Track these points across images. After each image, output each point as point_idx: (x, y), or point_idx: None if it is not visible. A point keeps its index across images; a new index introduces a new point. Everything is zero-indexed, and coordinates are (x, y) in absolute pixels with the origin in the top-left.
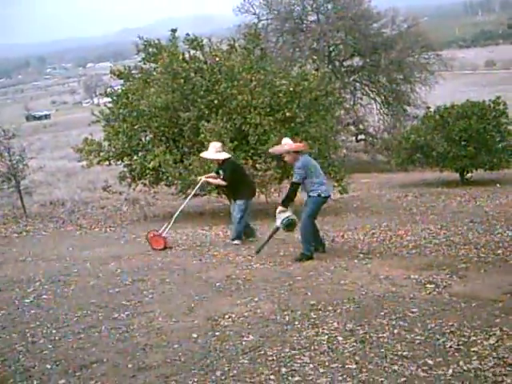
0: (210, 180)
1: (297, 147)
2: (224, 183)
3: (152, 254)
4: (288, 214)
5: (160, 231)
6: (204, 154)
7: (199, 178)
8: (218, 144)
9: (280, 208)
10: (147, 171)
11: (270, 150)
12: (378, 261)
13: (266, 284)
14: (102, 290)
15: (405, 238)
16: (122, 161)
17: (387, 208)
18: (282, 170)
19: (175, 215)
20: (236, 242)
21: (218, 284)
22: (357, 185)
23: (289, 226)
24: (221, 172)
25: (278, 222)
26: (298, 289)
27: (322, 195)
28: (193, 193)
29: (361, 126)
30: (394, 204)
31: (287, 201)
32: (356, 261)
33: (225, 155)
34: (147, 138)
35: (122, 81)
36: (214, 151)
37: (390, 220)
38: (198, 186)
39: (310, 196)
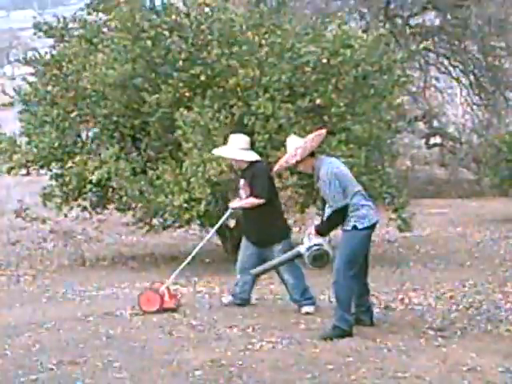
0: (243, 204)
1: (312, 145)
2: (260, 201)
3: (92, 322)
4: (321, 241)
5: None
6: (222, 151)
7: (230, 204)
8: (245, 138)
9: (312, 231)
10: (88, 186)
11: (276, 169)
12: (459, 342)
13: (277, 376)
14: (7, 377)
15: (504, 306)
16: (49, 169)
17: (475, 257)
18: (306, 189)
19: (188, 259)
20: (307, 308)
21: (197, 373)
22: (427, 217)
23: (317, 258)
24: (242, 183)
25: (303, 248)
26: None
27: (366, 224)
28: (218, 225)
29: (435, 123)
30: (487, 250)
31: (325, 227)
32: (423, 341)
33: (253, 156)
34: (90, 133)
35: (51, 40)
36: (238, 147)
37: (479, 276)
38: (226, 217)
39: (354, 228)
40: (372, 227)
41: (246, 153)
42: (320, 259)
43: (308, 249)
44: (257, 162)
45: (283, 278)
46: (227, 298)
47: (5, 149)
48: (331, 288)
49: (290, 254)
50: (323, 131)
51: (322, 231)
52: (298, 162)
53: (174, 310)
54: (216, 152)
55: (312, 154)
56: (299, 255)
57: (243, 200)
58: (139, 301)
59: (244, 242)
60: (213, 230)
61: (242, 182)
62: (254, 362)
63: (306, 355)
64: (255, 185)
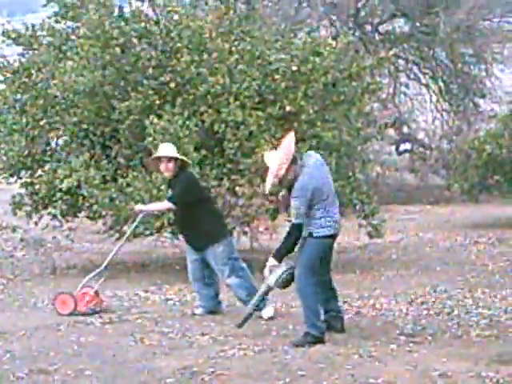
0: (150, 207)
1: (290, 150)
2: (168, 205)
3: (63, 330)
4: (283, 268)
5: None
6: (162, 152)
7: (136, 207)
8: (171, 145)
9: (271, 261)
10: (58, 195)
11: (268, 189)
12: (430, 347)
13: (248, 383)
14: None
15: (474, 312)
16: (19, 177)
17: (446, 262)
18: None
19: (102, 266)
20: (267, 312)
21: (168, 381)
22: (397, 224)
23: (287, 284)
24: (170, 193)
25: (272, 281)
26: None
27: (321, 234)
28: (128, 233)
29: (405, 130)
30: (457, 256)
31: (282, 252)
32: (394, 346)
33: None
34: (60, 140)
35: (20, 48)
36: (175, 151)
37: (450, 282)
38: (137, 221)
39: (310, 236)
40: (330, 237)
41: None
42: (290, 283)
43: (277, 279)
44: (184, 170)
45: (227, 284)
46: (199, 310)
47: None
48: (297, 296)
49: (260, 292)
50: (292, 134)
51: (279, 257)
52: (286, 172)
53: (90, 315)
54: (156, 156)
55: (293, 161)
56: (270, 289)
57: (150, 204)
58: (55, 303)
59: (187, 249)
60: (124, 237)
61: (170, 191)
62: (225, 370)
63: (277, 362)
64: (174, 190)
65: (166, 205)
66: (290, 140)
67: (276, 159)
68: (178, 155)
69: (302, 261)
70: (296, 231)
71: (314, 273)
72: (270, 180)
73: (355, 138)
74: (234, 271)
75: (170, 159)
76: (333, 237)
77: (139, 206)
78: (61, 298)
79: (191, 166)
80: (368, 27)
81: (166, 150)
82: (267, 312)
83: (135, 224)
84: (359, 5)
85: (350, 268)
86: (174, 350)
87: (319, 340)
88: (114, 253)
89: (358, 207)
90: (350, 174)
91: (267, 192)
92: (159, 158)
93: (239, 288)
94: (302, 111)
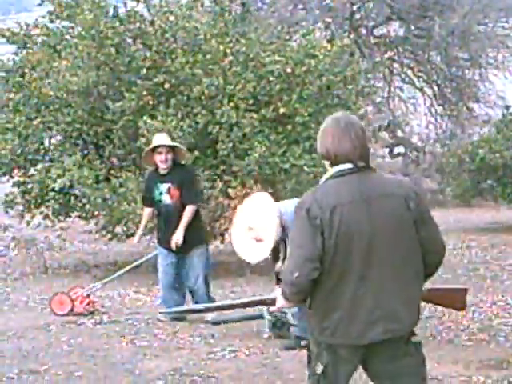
0: (184, 225)
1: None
2: (195, 207)
3: (54, 331)
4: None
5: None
6: (160, 141)
7: (176, 239)
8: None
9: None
10: (51, 194)
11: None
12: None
13: None
14: None
15: (465, 316)
16: (11, 176)
17: None
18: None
19: (116, 274)
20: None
21: (159, 383)
22: None
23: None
24: (163, 189)
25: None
26: None
27: None
28: (144, 259)
29: (399, 133)
30: (450, 260)
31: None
32: None
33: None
34: (53, 140)
35: (14, 47)
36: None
37: (442, 286)
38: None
39: None
40: None
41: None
42: None
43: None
44: (183, 164)
45: (195, 289)
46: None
47: None
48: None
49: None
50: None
51: None
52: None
53: (86, 315)
54: (158, 142)
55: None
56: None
57: (182, 224)
58: (50, 303)
59: (162, 253)
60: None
61: (165, 186)
62: (216, 371)
63: (268, 364)
64: (190, 189)
65: (192, 211)
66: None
67: (267, 228)
68: (177, 144)
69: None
70: None
71: None
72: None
73: None
74: (207, 279)
75: (169, 149)
76: None
77: (179, 235)
78: (57, 299)
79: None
80: (363, 30)
81: (164, 139)
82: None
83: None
84: (354, 8)
85: None
86: (165, 352)
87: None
88: (126, 269)
89: None
90: None
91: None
92: (155, 150)
93: (204, 295)
94: (296, 114)
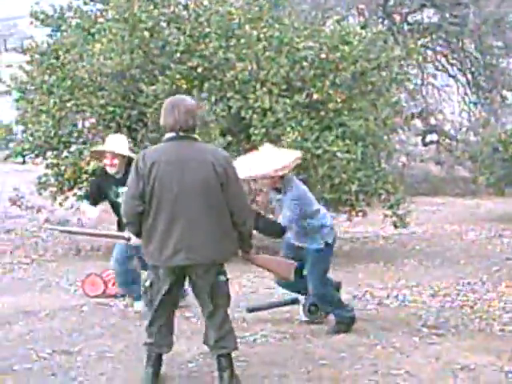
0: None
1: (288, 166)
2: None
3: (86, 312)
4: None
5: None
6: (107, 145)
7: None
8: (125, 139)
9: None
10: (84, 176)
11: (247, 176)
12: (453, 340)
13: (270, 370)
14: (1, 366)
15: (497, 305)
16: (45, 158)
17: (470, 255)
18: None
19: None
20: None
21: (190, 365)
22: (422, 215)
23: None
24: (120, 191)
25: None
26: (319, 380)
27: (330, 241)
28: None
29: (432, 121)
30: (482, 249)
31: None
32: (417, 338)
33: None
34: (86, 123)
35: (48, 29)
36: (124, 147)
37: (473, 275)
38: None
39: (311, 248)
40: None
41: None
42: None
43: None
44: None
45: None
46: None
47: (0, 137)
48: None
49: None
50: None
51: None
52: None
53: (118, 297)
54: (102, 148)
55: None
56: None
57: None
58: (83, 284)
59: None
60: None
61: (121, 189)
62: (247, 356)
63: (300, 350)
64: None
65: None
66: (298, 158)
67: (283, 161)
68: (125, 151)
69: (314, 275)
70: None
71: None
72: (260, 172)
73: (382, 128)
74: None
75: (114, 155)
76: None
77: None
78: (90, 280)
79: None
80: (397, 17)
81: (113, 143)
82: (138, 305)
83: None
84: None
85: (373, 258)
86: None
87: (352, 320)
88: None
89: (383, 197)
90: (376, 164)
91: (244, 178)
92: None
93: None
94: (330, 100)
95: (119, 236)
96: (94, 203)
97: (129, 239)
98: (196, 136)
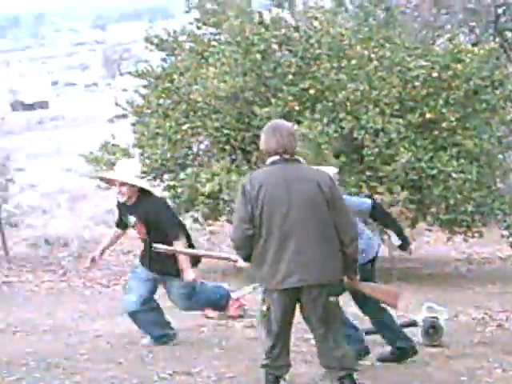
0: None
1: None
2: (183, 242)
3: (206, 333)
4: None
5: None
6: (115, 173)
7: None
8: (137, 164)
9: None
10: (200, 198)
11: None
12: None
13: None
14: None
15: None
16: (162, 180)
17: None
18: (417, 204)
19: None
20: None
21: None
22: None
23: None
24: (132, 221)
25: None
26: None
27: (370, 256)
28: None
29: None
30: None
31: None
32: None
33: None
34: (202, 145)
35: (163, 53)
36: (133, 174)
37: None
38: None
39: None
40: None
41: (140, 180)
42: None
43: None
44: (151, 194)
45: None
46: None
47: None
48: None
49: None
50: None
51: None
52: None
53: (236, 318)
54: (109, 176)
55: None
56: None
57: (184, 263)
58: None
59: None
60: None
61: (132, 219)
62: (367, 379)
63: (419, 374)
64: (166, 227)
65: (182, 245)
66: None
67: None
68: (134, 181)
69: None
70: None
71: None
72: None
73: (496, 146)
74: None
75: (122, 183)
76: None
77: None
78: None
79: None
80: (509, 34)
81: (122, 171)
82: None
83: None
84: (500, 11)
85: (491, 279)
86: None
87: (413, 350)
88: None
89: (499, 217)
90: (492, 183)
91: None
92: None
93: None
94: (443, 119)
95: (226, 257)
96: (123, 228)
97: (236, 261)
98: (300, 158)
